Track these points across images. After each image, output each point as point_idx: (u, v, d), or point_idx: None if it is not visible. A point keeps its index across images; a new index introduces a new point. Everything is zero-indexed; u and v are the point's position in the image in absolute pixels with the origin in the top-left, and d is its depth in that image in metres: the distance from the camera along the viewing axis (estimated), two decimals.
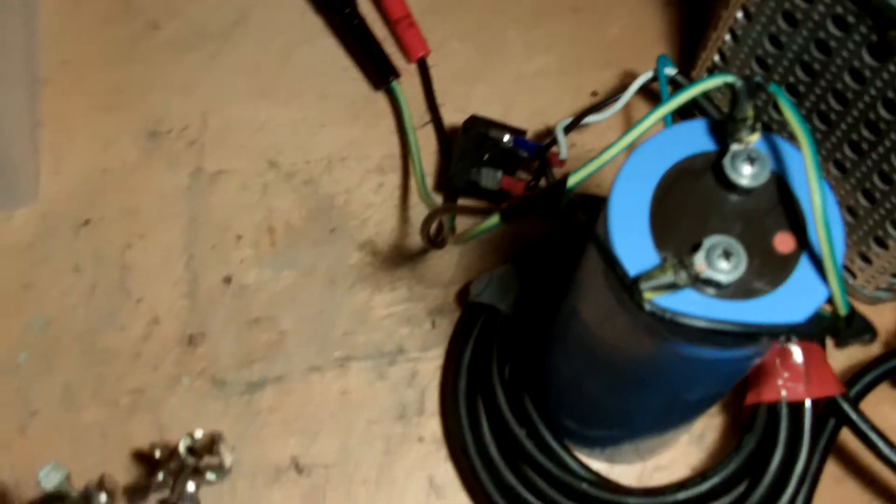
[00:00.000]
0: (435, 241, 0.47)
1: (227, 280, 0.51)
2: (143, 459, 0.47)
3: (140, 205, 0.52)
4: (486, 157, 0.50)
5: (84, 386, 0.48)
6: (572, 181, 0.32)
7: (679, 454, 0.48)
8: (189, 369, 0.49)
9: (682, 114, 0.46)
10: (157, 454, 0.45)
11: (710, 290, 0.30)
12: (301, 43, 0.57)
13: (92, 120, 0.54)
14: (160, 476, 0.43)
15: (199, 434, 0.44)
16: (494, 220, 0.35)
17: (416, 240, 0.52)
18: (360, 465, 0.48)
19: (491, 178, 0.49)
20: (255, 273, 0.51)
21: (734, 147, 0.32)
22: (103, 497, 0.40)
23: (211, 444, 0.44)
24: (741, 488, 0.44)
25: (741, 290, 0.30)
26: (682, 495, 0.44)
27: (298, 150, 0.54)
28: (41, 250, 0.51)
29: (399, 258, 0.52)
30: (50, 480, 0.40)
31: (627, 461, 0.48)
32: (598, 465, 0.47)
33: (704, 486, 0.44)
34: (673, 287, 0.29)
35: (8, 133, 0.49)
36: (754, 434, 0.45)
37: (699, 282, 0.30)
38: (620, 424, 0.44)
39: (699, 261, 0.29)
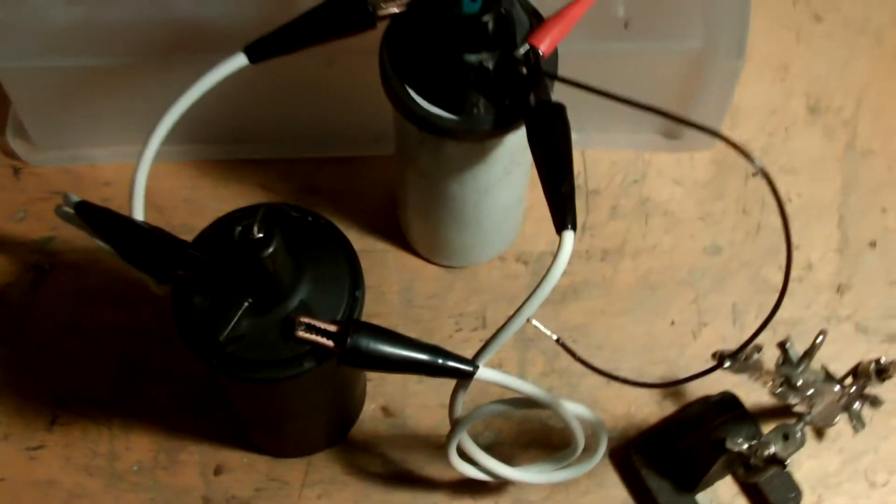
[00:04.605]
0: None
1: (873, 244, 0.59)
2: None
3: (798, 167, 0.61)
4: None
5: (749, 308, 0.57)
6: None
7: None
8: (836, 313, 0.57)
9: None
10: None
11: None
12: None
13: (761, 90, 0.62)
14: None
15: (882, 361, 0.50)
16: None
17: None
18: None
19: None
20: None
21: None
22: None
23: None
24: None
25: None
26: None
27: None
28: (716, 189, 0.60)
29: None
30: None
31: None
32: None
33: None
34: None
35: (728, 73, 0.57)
36: None
37: None
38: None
39: None
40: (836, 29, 0.64)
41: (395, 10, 0.45)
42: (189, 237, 0.44)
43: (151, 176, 0.61)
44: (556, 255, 0.41)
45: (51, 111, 0.58)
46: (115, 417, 0.55)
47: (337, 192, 0.60)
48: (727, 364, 0.41)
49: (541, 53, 0.44)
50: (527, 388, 0.44)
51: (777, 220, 0.59)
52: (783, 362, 0.43)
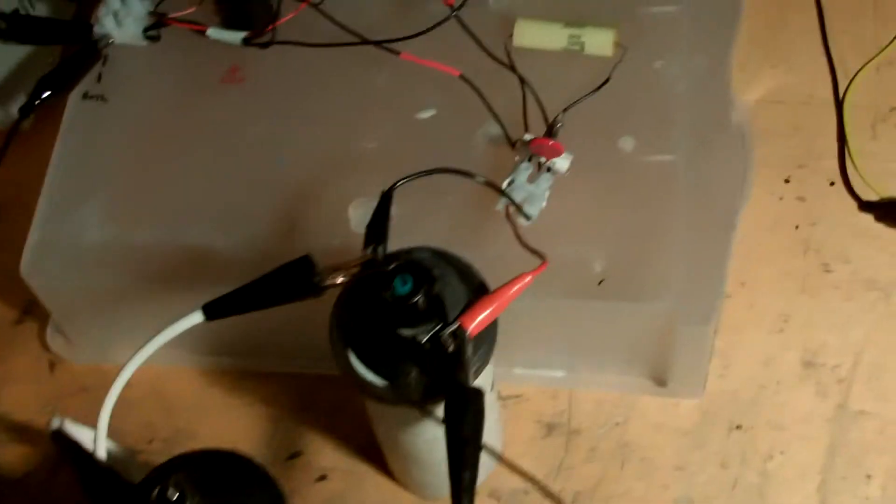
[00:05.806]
0: None
1: None
2: None
3: (785, 423, 0.60)
4: None
5: None
6: None
7: None
8: None
9: None
10: None
11: None
12: None
13: (757, 339, 0.62)
14: None
15: None
16: None
17: None
18: None
19: None
20: None
21: None
22: None
23: None
24: None
25: None
26: None
27: None
28: (697, 438, 0.60)
29: None
30: None
31: None
32: None
33: None
34: None
35: (698, 337, 0.58)
36: None
37: None
38: None
39: None
40: (843, 282, 0.63)
41: (340, 280, 0.48)
42: (188, 442, 0.48)
43: (166, 377, 0.66)
44: None
45: (82, 318, 0.64)
46: None
47: (333, 408, 0.63)
48: None
49: (467, 334, 0.46)
50: None
51: (755, 478, 0.59)
52: None
